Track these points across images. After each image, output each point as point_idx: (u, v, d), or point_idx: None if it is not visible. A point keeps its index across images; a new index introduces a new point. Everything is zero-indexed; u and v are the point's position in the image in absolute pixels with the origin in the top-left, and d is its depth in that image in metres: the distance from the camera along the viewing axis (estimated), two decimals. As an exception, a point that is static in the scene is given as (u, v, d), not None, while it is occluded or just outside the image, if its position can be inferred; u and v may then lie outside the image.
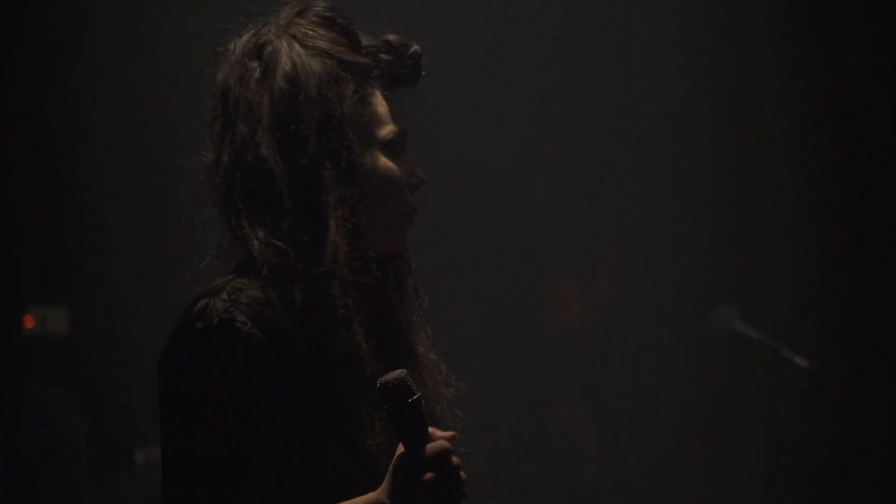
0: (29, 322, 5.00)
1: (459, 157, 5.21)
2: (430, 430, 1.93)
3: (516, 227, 5.41)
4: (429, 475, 1.90)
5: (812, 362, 4.77)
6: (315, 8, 2.14)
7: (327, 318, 2.00)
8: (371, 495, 1.93)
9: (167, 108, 4.51)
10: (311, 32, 2.11)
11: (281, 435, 1.93)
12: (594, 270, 5.42)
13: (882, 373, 5.33)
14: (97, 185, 5.15)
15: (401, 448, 1.92)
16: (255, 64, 2.09)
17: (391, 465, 1.92)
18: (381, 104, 2.11)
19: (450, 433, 1.95)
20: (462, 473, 1.94)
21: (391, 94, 2.15)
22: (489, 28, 5.36)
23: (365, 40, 2.14)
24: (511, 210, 5.41)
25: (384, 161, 2.09)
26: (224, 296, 1.97)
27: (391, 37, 2.15)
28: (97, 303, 5.04)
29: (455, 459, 1.93)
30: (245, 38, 2.13)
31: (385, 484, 1.92)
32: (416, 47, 2.15)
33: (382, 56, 2.13)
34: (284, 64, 2.07)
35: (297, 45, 2.09)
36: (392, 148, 2.10)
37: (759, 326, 4.93)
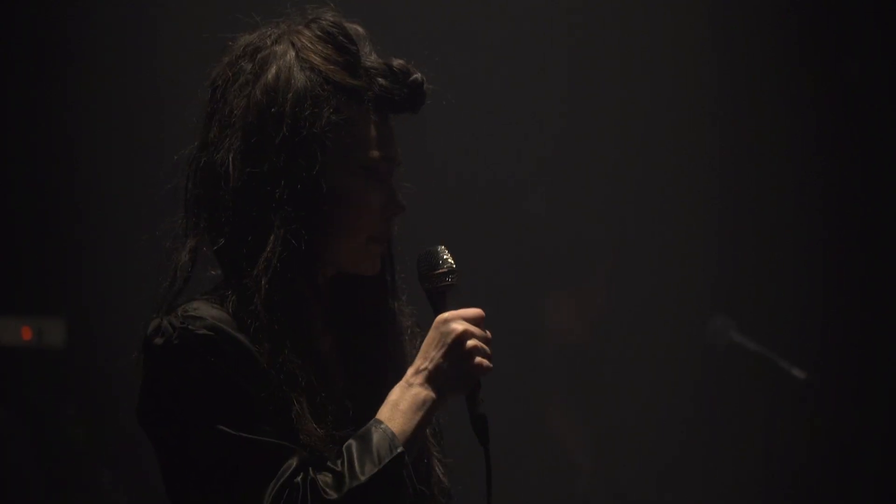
0: (26, 334, 5.00)
1: (455, 167, 5.19)
2: None
3: (512, 237, 5.39)
4: (469, 326, 2.01)
5: (809, 373, 4.76)
6: (322, 21, 2.12)
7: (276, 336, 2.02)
8: (406, 375, 2.01)
9: (168, 116, 4.51)
10: (309, 45, 2.09)
11: (259, 420, 1.96)
12: (590, 280, 5.40)
13: (881, 383, 5.32)
14: (95, 196, 5.14)
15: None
16: (246, 66, 2.09)
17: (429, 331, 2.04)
18: (369, 128, 2.08)
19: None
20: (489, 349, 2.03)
21: (391, 118, 2.12)
22: (484, 38, 5.34)
23: (368, 61, 2.10)
24: (507, 220, 5.39)
25: (357, 186, 2.06)
26: (178, 312, 2.00)
27: (395, 62, 2.11)
28: (95, 314, 5.04)
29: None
30: (250, 37, 2.13)
31: (420, 352, 2.02)
32: (416, 76, 2.10)
33: (380, 80, 2.09)
34: (269, 73, 2.06)
35: (291, 55, 2.08)
36: (371, 173, 2.08)
37: (757, 337, 4.92)
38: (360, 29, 2.14)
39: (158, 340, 1.98)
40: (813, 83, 5.40)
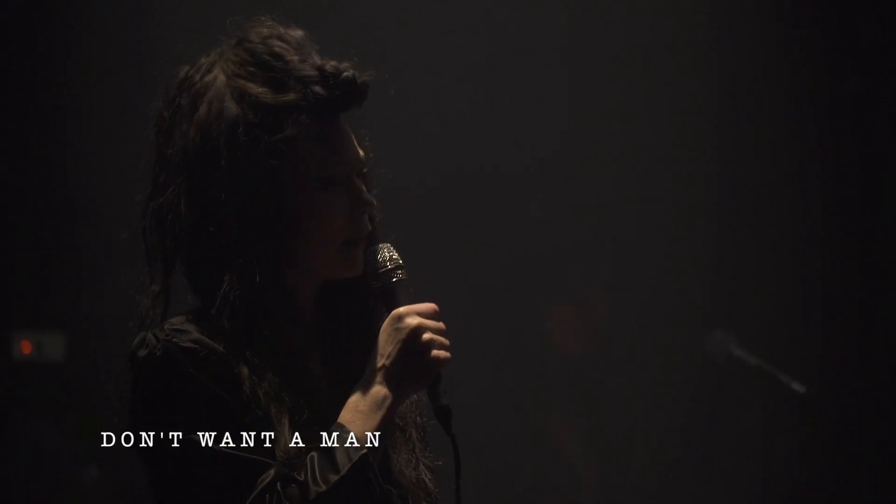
0: (26, 347, 5.01)
1: (451, 177, 5.18)
2: None
3: (511, 250, 5.37)
4: (424, 320, 2.01)
5: (809, 387, 4.76)
6: (246, 43, 2.11)
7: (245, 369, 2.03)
8: (364, 374, 2.01)
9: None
10: (237, 70, 2.09)
11: (239, 434, 1.97)
12: (590, 293, 5.39)
13: (881, 397, 5.31)
14: (95, 209, 5.13)
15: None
16: (182, 102, 2.09)
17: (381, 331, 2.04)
18: (314, 139, 2.07)
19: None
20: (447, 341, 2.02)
21: (342, 118, 2.11)
22: (478, 45, 5.33)
23: (300, 71, 2.08)
24: (505, 232, 5.37)
25: (316, 197, 2.07)
26: (164, 326, 2.04)
27: (328, 64, 2.09)
28: (94, 328, 5.04)
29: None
30: (185, 70, 2.13)
31: (377, 349, 2.02)
32: (348, 74, 2.08)
33: (314, 88, 2.07)
34: (201, 108, 2.06)
35: (220, 83, 2.07)
36: (328, 181, 2.07)
37: (756, 351, 4.92)
38: (298, 33, 2.13)
39: (142, 352, 2.02)
40: (815, 96, 5.40)
